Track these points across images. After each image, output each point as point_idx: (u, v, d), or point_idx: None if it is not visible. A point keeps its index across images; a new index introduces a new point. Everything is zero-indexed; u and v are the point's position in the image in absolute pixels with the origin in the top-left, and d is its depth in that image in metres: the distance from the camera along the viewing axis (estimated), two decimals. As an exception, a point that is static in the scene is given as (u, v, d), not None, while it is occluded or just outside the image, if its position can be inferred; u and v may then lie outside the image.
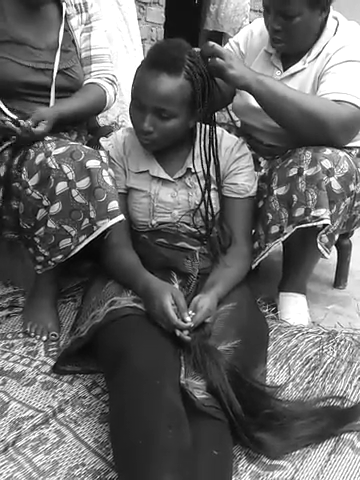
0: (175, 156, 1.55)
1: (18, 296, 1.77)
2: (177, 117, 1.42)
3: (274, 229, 1.60)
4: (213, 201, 1.54)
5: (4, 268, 1.85)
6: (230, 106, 1.88)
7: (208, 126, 1.49)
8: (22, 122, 1.48)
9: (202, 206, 1.53)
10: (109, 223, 1.41)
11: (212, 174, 1.53)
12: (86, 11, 1.76)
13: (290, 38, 1.66)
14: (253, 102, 1.63)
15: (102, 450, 1.20)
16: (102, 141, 1.60)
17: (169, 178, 1.54)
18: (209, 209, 1.53)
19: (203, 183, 1.52)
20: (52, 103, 1.65)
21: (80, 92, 1.71)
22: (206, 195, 1.52)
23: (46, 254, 1.48)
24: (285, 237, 1.59)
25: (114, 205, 1.40)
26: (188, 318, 1.29)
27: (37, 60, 1.63)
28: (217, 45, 1.47)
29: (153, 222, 1.56)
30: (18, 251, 1.75)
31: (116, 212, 1.41)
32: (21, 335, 1.59)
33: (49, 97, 1.64)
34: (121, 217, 1.42)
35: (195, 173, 1.52)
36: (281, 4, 1.59)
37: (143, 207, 1.55)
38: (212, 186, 1.54)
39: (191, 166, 1.52)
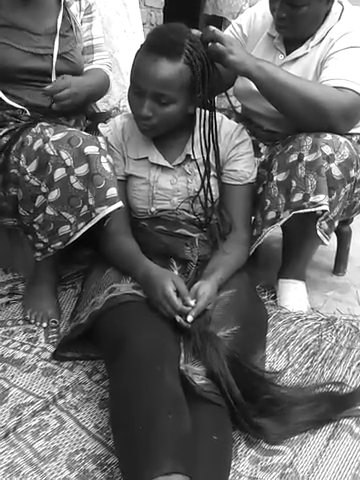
0: (174, 143, 1.54)
1: (18, 283, 1.77)
2: (176, 102, 1.41)
3: (271, 215, 1.59)
4: (212, 188, 1.53)
5: (4, 255, 1.85)
6: (231, 91, 1.86)
7: (208, 112, 1.48)
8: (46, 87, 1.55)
9: (201, 193, 1.53)
10: (108, 210, 1.40)
11: (212, 161, 1.52)
12: None
13: (295, 26, 1.64)
14: (254, 86, 1.61)
15: (102, 435, 1.21)
16: (101, 127, 1.59)
17: (168, 165, 1.53)
18: (208, 196, 1.52)
19: (203, 170, 1.51)
20: None
21: (90, 73, 1.76)
22: (205, 182, 1.51)
23: (45, 241, 1.48)
24: (281, 222, 1.58)
25: (113, 192, 1.40)
26: (192, 302, 1.29)
27: (36, 45, 1.61)
28: (217, 30, 1.45)
29: (152, 209, 1.55)
30: (17, 238, 1.75)
31: (115, 199, 1.40)
32: (21, 322, 1.60)
33: (49, 82, 1.63)
34: (120, 204, 1.41)
35: (194, 160, 1.51)
36: None
37: (142, 194, 1.55)
38: (212, 173, 1.53)
39: (190, 153, 1.51)
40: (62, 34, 1.67)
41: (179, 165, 1.54)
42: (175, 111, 1.42)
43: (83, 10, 1.76)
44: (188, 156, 1.53)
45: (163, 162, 1.53)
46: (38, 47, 1.61)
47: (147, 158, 1.54)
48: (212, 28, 1.44)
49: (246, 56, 1.52)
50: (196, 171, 1.52)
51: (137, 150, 1.55)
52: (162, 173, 1.54)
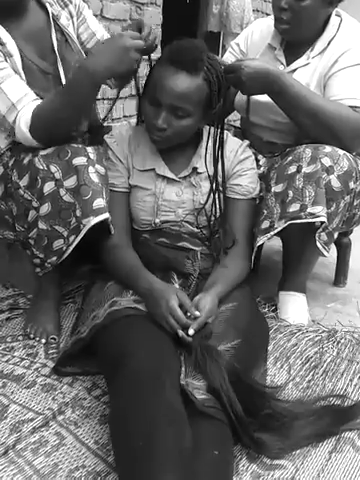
0: (181, 155, 1.55)
1: (18, 298, 1.76)
2: (192, 116, 1.43)
3: (265, 224, 1.58)
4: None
5: (3, 270, 1.85)
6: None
7: (216, 128, 1.49)
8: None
9: (207, 205, 1.53)
10: (93, 221, 1.37)
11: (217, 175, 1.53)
12: (71, 2, 1.67)
13: (294, 20, 1.66)
14: (255, 97, 1.63)
15: (103, 452, 1.20)
16: (106, 138, 1.59)
17: (175, 177, 1.54)
18: (216, 209, 1.53)
19: (209, 183, 1.52)
20: None
21: None
22: (213, 194, 1.52)
23: (41, 256, 1.47)
24: (275, 231, 1.56)
25: (99, 203, 1.37)
26: (197, 313, 1.29)
27: (49, 85, 1.55)
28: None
29: (157, 220, 1.55)
30: (17, 253, 1.75)
31: (101, 209, 1.38)
32: (21, 337, 1.59)
33: None
34: (106, 215, 1.39)
35: (201, 173, 1.53)
36: None
37: (147, 205, 1.55)
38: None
39: (197, 165, 1.53)
40: (61, 58, 1.59)
41: (185, 177, 1.55)
42: (189, 125, 1.44)
43: (74, 15, 1.69)
44: (195, 169, 1.54)
45: (170, 174, 1.54)
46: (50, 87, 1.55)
47: (153, 169, 1.54)
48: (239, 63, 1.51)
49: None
50: (202, 184, 1.53)
51: (144, 161, 1.55)
52: (168, 185, 1.54)
